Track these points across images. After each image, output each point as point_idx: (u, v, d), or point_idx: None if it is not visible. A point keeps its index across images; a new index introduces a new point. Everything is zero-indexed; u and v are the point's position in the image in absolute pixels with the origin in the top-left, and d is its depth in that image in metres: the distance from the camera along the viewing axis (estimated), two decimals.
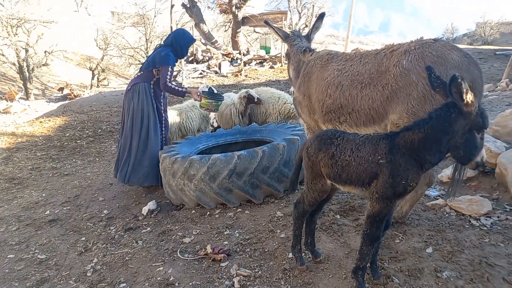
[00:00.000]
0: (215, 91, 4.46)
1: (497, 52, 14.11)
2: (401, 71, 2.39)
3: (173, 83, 4.27)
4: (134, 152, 4.33)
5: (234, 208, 3.68)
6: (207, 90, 4.37)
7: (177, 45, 4.43)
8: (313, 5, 22.47)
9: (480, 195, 3.20)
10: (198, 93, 4.31)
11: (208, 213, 3.68)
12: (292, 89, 4.21)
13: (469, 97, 1.74)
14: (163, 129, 4.53)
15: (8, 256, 3.30)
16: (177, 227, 3.50)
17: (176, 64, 4.62)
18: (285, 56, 3.81)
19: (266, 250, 2.85)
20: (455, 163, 2.41)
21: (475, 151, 1.85)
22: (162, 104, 4.51)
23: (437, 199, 3.37)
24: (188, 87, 4.68)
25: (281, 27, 19.37)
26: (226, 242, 3.07)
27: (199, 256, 2.88)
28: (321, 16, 3.68)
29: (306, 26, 26.14)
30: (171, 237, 3.31)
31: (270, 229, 3.17)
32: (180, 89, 4.28)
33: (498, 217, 2.91)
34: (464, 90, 1.72)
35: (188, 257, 2.92)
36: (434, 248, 2.58)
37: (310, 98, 3.05)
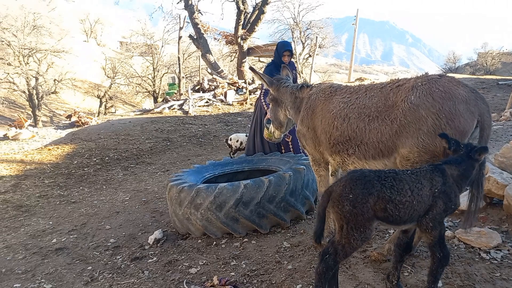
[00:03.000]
0: None
1: (500, 82, 14.26)
2: (410, 106, 2.45)
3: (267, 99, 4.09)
4: None
5: (241, 238, 3.68)
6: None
7: (276, 55, 4.97)
8: (317, 36, 23.02)
9: (488, 227, 3.18)
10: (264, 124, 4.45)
11: (215, 242, 3.67)
12: (265, 119, 4.37)
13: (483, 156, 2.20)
14: None
15: (14, 286, 3.29)
16: (183, 257, 3.49)
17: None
18: (269, 101, 3.73)
19: (273, 282, 2.83)
20: (471, 194, 2.43)
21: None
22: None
23: (449, 229, 3.35)
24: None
25: None
26: (232, 273, 3.05)
27: None
28: (286, 67, 3.91)
29: (310, 56, 26.75)
30: (177, 267, 3.30)
31: (277, 260, 3.16)
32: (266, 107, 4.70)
33: (508, 250, 2.89)
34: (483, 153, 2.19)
35: None
36: (444, 282, 2.55)
37: (315, 130, 3.11)
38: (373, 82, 3.07)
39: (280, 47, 5.10)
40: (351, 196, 2.05)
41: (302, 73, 22.85)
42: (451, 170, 2.19)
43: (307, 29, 27.98)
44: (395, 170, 2.25)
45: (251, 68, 3.92)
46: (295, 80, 5.10)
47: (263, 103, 5.08)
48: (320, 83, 3.38)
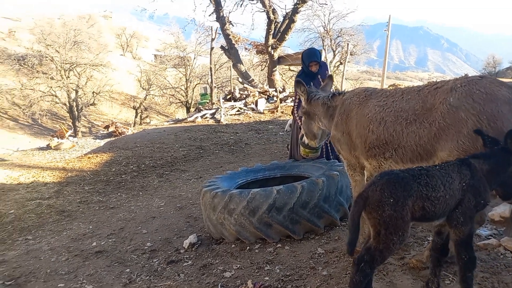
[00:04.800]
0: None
1: None
2: (449, 108, 2.38)
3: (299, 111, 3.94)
4: None
5: (274, 243, 3.67)
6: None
7: (303, 64, 4.95)
8: (348, 43, 22.80)
9: None
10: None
11: (248, 247, 3.68)
12: (300, 136, 4.20)
13: None
14: None
15: (59, 286, 3.44)
16: (217, 261, 3.53)
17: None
18: (302, 115, 3.68)
19: None
20: None
21: None
22: None
23: (489, 238, 3.20)
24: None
25: None
26: (267, 278, 3.05)
27: None
28: (330, 77, 3.84)
29: (341, 63, 26.51)
30: (212, 271, 3.34)
31: (312, 266, 3.13)
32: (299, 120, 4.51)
33: None
34: None
35: None
36: None
37: (350, 134, 3.07)
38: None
39: (305, 58, 4.96)
40: (391, 200, 1.97)
41: (333, 79, 22.64)
42: (480, 164, 2.15)
43: (338, 36, 27.80)
44: (422, 166, 2.22)
45: (299, 81, 3.63)
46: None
47: (297, 117, 4.92)
48: (354, 88, 3.36)
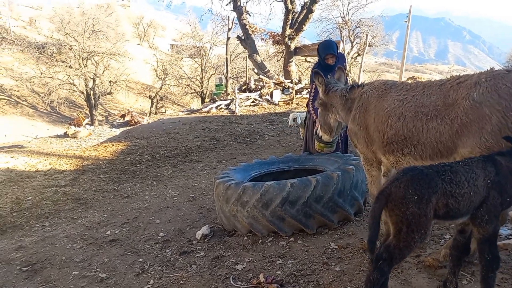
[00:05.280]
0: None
1: None
2: (472, 104, 2.28)
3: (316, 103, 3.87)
4: None
5: (287, 237, 3.64)
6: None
7: (319, 57, 4.84)
8: (367, 34, 22.35)
9: None
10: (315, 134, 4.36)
11: (260, 240, 3.66)
12: (315, 130, 4.25)
13: None
14: None
15: (73, 273, 3.49)
16: (229, 253, 3.52)
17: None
18: (318, 106, 3.62)
19: (320, 283, 2.76)
20: None
21: None
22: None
23: (510, 238, 3.09)
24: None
25: None
26: (278, 272, 3.02)
27: (251, 285, 2.86)
28: (340, 69, 3.71)
29: (359, 55, 26.04)
30: (224, 263, 3.33)
31: (324, 261, 3.09)
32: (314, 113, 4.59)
33: None
34: None
35: (240, 285, 2.91)
36: None
37: (367, 128, 2.99)
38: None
39: (321, 51, 4.78)
40: (416, 197, 1.91)
41: (350, 72, 22.31)
42: (506, 161, 2.09)
43: (356, 27, 27.27)
44: (445, 162, 2.15)
45: (317, 71, 3.56)
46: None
47: (312, 111, 4.86)
48: (373, 81, 3.26)
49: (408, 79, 17.82)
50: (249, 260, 3.31)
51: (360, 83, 3.31)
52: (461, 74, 2.69)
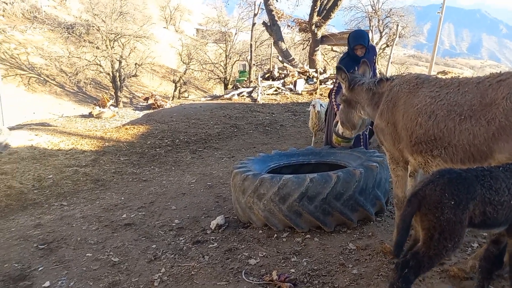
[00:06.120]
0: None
1: None
2: None
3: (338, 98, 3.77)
4: None
5: (303, 234, 3.52)
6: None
7: (348, 47, 4.60)
8: (397, 25, 21.58)
9: None
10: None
11: (276, 235, 3.56)
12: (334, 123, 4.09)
13: None
14: None
15: (87, 255, 3.50)
16: (243, 246, 3.44)
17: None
18: (341, 102, 3.41)
19: (336, 286, 2.64)
20: None
21: None
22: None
23: None
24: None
25: None
26: (292, 270, 2.92)
27: (263, 282, 2.77)
28: (365, 63, 3.47)
29: (388, 46, 25.25)
30: (236, 256, 3.25)
31: (341, 262, 2.96)
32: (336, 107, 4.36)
33: None
34: None
35: (252, 280, 2.82)
36: None
37: (395, 125, 2.81)
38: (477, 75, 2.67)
39: (351, 41, 4.54)
40: (452, 202, 1.78)
41: (377, 64, 21.69)
42: None
43: (387, 17, 26.38)
44: (484, 167, 1.97)
45: (339, 67, 3.37)
46: (374, 69, 4.64)
47: (334, 104, 4.61)
48: (404, 74, 3.04)
49: (438, 73, 17.14)
50: (262, 255, 3.22)
51: (389, 76, 3.11)
52: (501, 71, 2.46)
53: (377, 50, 24.50)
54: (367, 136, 4.95)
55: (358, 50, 4.51)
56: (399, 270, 1.90)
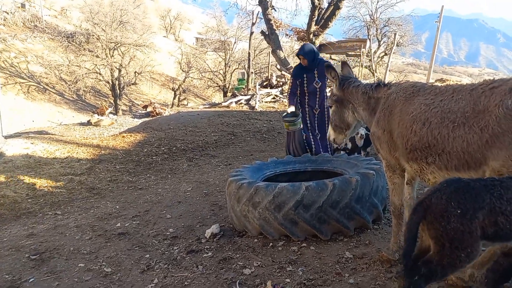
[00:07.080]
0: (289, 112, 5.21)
1: None
2: (506, 112, 2.05)
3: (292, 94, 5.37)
4: None
5: (299, 242, 3.46)
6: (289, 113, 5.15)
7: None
8: (395, 34, 21.70)
9: None
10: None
11: (271, 244, 3.50)
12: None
13: None
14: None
15: (79, 265, 3.44)
16: (238, 255, 3.38)
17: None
18: (332, 103, 3.35)
19: None
20: None
21: None
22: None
23: None
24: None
25: (360, 54, 18.97)
26: (288, 280, 2.85)
27: None
28: (344, 64, 3.50)
29: (386, 54, 25.38)
30: (231, 265, 3.19)
31: (338, 271, 2.90)
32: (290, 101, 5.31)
33: None
34: None
35: None
36: None
37: (391, 133, 2.77)
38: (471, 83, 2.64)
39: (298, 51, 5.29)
40: (459, 211, 1.75)
41: (376, 72, 21.75)
42: None
43: (385, 26, 26.56)
44: (494, 177, 1.93)
45: (329, 65, 3.40)
46: (324, 84, 5.27)
47: (288, 100, 5.49)
48: (401, 82, 3.01)
49: (436, 81, 17.18)
50: (257, 264, 3.16)
51: (386, 82, 3.07)
52: (495, 78, 2.44)
53: (375, 58, 24.58)
54: (364, 144, 4.98)
55: (301, 60, 5.20)
56: (408, 277, 1.88)
